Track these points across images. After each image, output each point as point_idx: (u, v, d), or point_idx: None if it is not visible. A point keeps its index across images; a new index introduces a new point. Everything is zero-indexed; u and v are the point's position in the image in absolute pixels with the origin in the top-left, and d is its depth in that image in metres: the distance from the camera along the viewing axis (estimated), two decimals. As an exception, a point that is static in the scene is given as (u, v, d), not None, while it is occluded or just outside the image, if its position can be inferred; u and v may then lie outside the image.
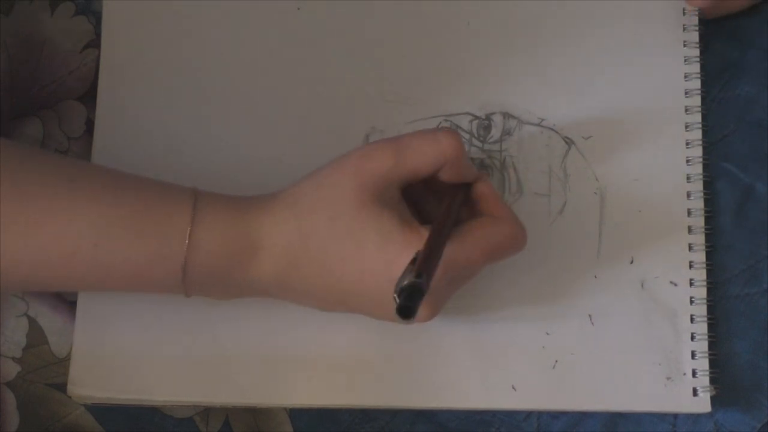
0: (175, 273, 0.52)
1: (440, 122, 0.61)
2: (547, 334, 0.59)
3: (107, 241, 0.51)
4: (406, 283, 0.47)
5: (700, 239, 0.59)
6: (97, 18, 0.64)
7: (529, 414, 0.59)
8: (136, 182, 0.53)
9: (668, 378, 0.58)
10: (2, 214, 0.49)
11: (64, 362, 0.59)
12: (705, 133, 0.61)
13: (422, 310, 0.49)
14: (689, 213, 0.60)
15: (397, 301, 0.46)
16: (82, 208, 0.51)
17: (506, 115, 0.61)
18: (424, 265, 0.48)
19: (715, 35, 0.63)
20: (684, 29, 0.62)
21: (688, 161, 0.60)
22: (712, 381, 0.58)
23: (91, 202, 0.51)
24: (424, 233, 0.51)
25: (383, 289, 0.50)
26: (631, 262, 0.59)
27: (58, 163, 0.53)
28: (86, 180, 0.52)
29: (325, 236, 0.52)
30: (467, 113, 0.62)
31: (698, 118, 0.61)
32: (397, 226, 0.51)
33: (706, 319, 0.58)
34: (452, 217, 0.53)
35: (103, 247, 0.51)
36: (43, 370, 0.60)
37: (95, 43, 0.64)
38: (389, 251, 0.51)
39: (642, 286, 0.59)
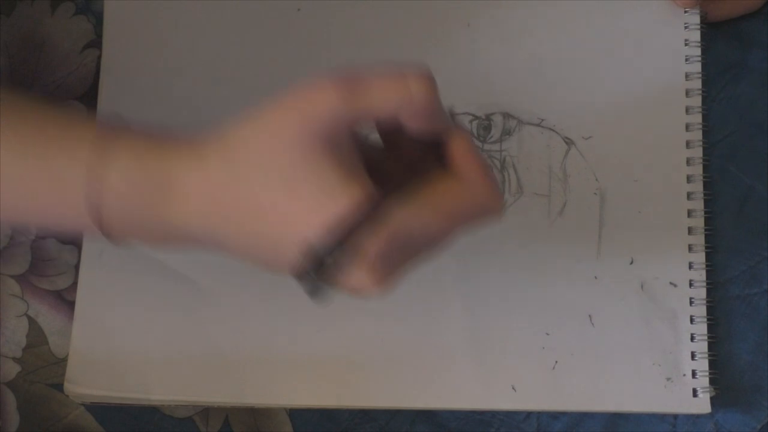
0: (80, 212, 0.46)
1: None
2: (547, 334, 0.59)
3: (7, 167, 0.46)
4: (312, 249, 0.41)
5: (700, 240, 0.59)
6: (97, 18, 0.64)
7: (528, 414, 0.59)
8: (45, 111, 0.48)
9: (668, 379, 0.58)
10: None
11: (64, 362, 0.59)
12: (706, 134, 0.61)
13: (366, 279, 0.43)
14: (689, 214, 0.60)
15: (302, 272, 0.42)
16: None
17: (506, 115, 0.61)
18: (345, 231, 0.42)
19: (717, 35, 0.63)
20: (686, 28, 0.62)
21: (688, 162, 0.60)
22: (712, 382, 0.58)
23: None
24: (368, 187, 0.43)
25: None
26: (631, 263, 0.59)
27: None
28: None
29: (256, 185, 0.44)
30: (467, 113, 0.62)
31: (699, 118, 0.61)
32: (341, 179, 0.43)
33: (705, 320, 0.58)
34: (408, 176, 0.46)
35: (5, 174, 0.46)
36: (43, 370, 0.60)
37: (95, 43, 0.64)
38: (327, 209, 0.43)
39: (642, 286, 0.59)
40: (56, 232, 0.52)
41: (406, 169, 0.47)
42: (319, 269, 0.42)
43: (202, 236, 0.47)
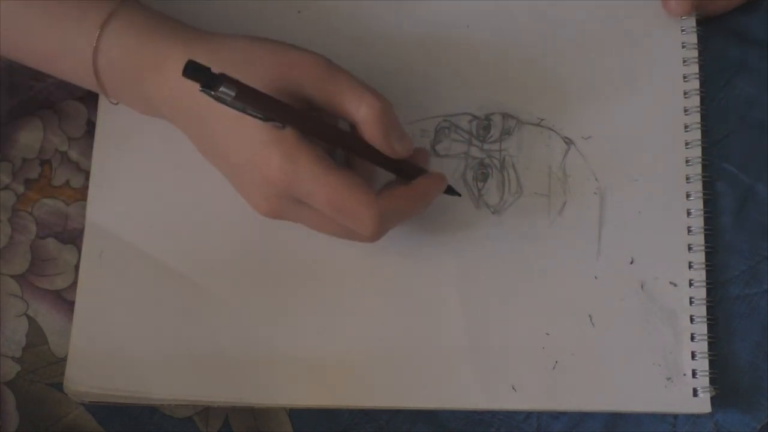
0: (86, 69, 0.56)
1: (439, 122, 0.61)
2: (547, 334, 0.59)
3: (17, 22, 0.56)
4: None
5: (699, 240, 0.59)
6: (97, 18, 0.64)
7: (528, 414, 0.59)
8: None
9: (668, 378, 0.58)
10: None
11: (63, 362, 0.59)
12: (705, 134, 0.61)
13: (263, 205, 0.54)
14: (689, 213, 0.60)
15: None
16: None
17: (506, 115, 0.62)
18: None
19: (716, 35, 0.63)
20: (682, 31, 0.62)
21: (687, 162, 0.60)
22: (712, 382, 0.58)
23: None
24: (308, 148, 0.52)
25: (248, 166, 0.53)
26: (631, 263, 0.59)
27: None
28: None
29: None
30: (467, 113, 0.62)
31: (697, 118, 0.61)
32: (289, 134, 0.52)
33: (705, 319, 0.58)
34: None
35: (18, 24, 0.56)
36: (43, 370, 0.60)
37: (95, 43, 0.64)
38: (267, 141, 0.52)
39: (642, 286, 0.59)
40: (60, 77, 0.59)
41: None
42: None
43: (168, 110, 0.56)
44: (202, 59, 0.49)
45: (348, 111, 0.53)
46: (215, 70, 0.48)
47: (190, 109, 0.55)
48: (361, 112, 0.53)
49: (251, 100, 0.50)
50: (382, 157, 0.55)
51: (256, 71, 0.52)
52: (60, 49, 0.56)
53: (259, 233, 0.59)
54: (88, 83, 0.58)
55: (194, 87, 0.48)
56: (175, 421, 0.60)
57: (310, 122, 0.53)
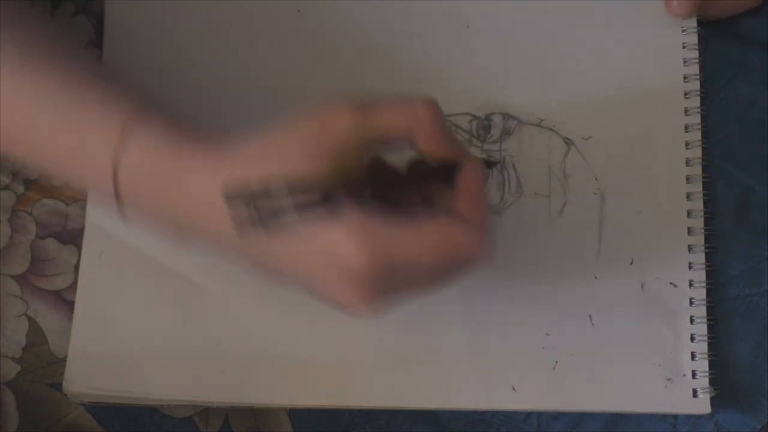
0: (105, 186, 0.49)
1: (440, 123, 0.61)
2: (547, 334, 0.59)
3: (37, 128, 0.50)
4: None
5: (699, 240, 0.59)
6: (97, 17, 0.64)
7: (529, 414, 0.59)
8: (90, 78, 0.51)
9: (668, 379, 0.58)
10: None
11: (63, 362, 0.59)
12: (705, 134, 0.61)
13: (355, 297, 0.46)
14: (689, 214, 0.60)
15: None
16: (25, 78, 0.50)
17: (506, 116, 0.62)
18: (295, 181, 0.44)
19: (716, 35, 0.63)
20: (683, 31, 0.62)
21: (687, 162, 0.60)
22: (712, 382, 0.58)
23: (34, 75, 0.50)
24: (368, 209, 0.45)
25: (322, 268, 0.46)
26: (631, 263, 0.59)
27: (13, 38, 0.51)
28: (38, 50, 0.50)
29: None
30: (467, 113, 0.62)
31: (698, 119, 0.61)
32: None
33: (705, 320, 0.58)
34: (390, 172, 0.49)
35: (36, 127, 0.50)
36: (43, 370, 0.60)
37: (95, 42, 0.64)
38: (335, 227, 0.45)
39: (642, 287, 0.59)
40: (76, 186, 0.56)
41: (423, 201, 0.50)
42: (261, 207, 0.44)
43: (204, 233, 0.49)
44: (230, 171, 0.46)
45: (402, 126, 0.47)
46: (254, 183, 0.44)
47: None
48: (420, 117, 0.47)
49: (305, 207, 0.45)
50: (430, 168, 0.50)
51: (294, 158, 0.46)
52: (77, 152, 0.50)
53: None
54: (104, 195, 0.51)
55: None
56: (175, 421, 0.60)
57: (361, 185, 0.47)
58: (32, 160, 0.53)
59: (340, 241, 0.45)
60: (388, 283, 0.47)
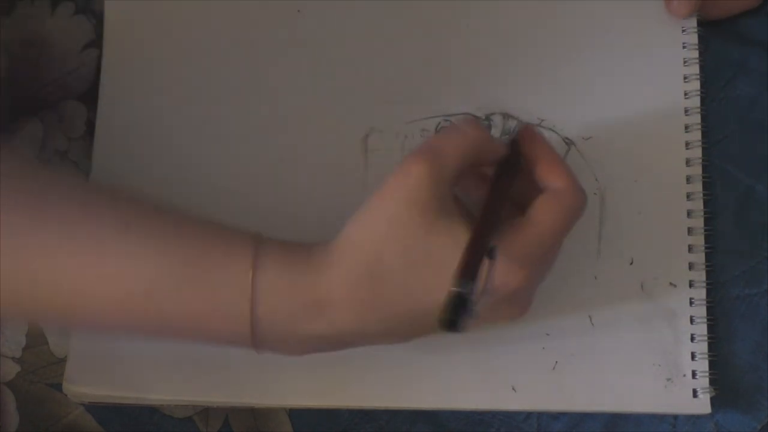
0: (239, 326, 0.49)
1: (439, 122, 0.61)
2: (547, 334, 0.59)
3: (160, 290, 0.49)
4: (448, 295, 0.44)
5: (699, 240, 0.59)
6: (97, 18, 0.64)
7: (529, 414, 0.59)
8: (193, 226, 0.51)
9: (668, 379, 0.58)
10: (53, 252, 0.48)
11: (63, 362, 0.59)
12: (705, 134, 0.61)
13: (510, 310, 0.51)
14: (689, 214, 0.60)
15: (443, 312, 0.44)
16: (135, 255, 0.48)
17: (506, 116, 0.61)
18: (464, 271, 0.45)
19: (716, 35, 0.63)
20: (683, 31, 0.62)
21: (687, 162, 0.60)
22: (712, 382, 0.58)
23: (143, 249, 0.49)
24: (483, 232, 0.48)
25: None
26: (631, 263, 0.59)
27: (115, 206, 0.51)
28: (141, 227, 0.49)
29: (401, 271, 0.48)
30: (467, 114, 0.62)
31: (698, 119, 0.61)
32: (463, 226, 0.48)
33: (705, 320, 0.58)
34: (497, 207, 0.50)
35: (156, 297, 0.48)
36: (43, 370, 0.60)
37: (95, 43, 0.64)
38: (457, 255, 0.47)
39: (642, 287, 0.59)
40: (204, 343, 0.53)
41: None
42: (445, 322, 0.45)
43: (350, 335, 0.50)
44: (351, 265, 0.48)
45: (462, 149, 0.51)
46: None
47: (369, 303, 0.49)
48: (475, 136, 0.51)
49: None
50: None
51: (394, 217, 0.49)
52: (210, 307, 0.49)
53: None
54: (237, 341, 0.50)
55: (366, 280, 0.48)
56: (175, 421, 0.60)
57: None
58: (154, 334, 0.53)
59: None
60: (534, 281, 0.51)
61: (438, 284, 0.47)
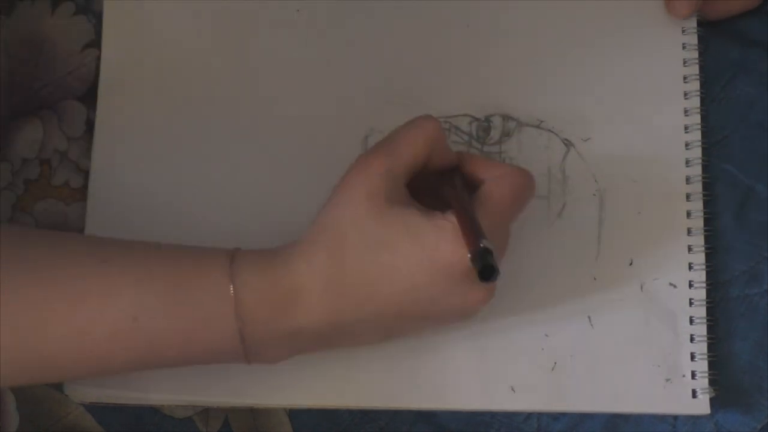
0: (226, 331, 0.51)
1: (439, 124, 0.61)
2: (547, 335, 0.59)
3: (145, 312, 0.50)
4: (480, 246, 0.48)
5: (699, 241, 0.59)
6: (97, 18, 0.64)
7: (528, 415, 0.59)
8: (169, 250, 0.53)
9: (667, 379, 0.58)
10: (38, 300, 0.50)
11: (63, 363, 0.59)
12: (705, 134, 0.61)
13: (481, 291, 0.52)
14: (689, 214, 0.60)
15: (478, 266, 0.48)
16: (117, 287, 0.50)
17: (505, 117, 0.61)
18: (477, 230, 0.49)
19: (716, 35, 0.63)
20: (683, 32, 0.62)
21: (687, 163, 0.60)
22: (712, 382, 0.58)
23: (123, 278, 0.51)
24: (449, 217, 0.51)
25: (437, 281, 0.51)
26: (631, 264, 0.59)
27: (88, 244, 0.54)
28: (118, 259, 0.52)
29: (359, 255, 0.51)
30: (466, 115, 0.62)
31: (697, 119, 0.61)
32: (420, 217, 0.51)
33: (705, 320, 0.58)
34: (464, 190, 0.54)
35: (143, 319, 0.50)
36: (43, 371, 0.60)
37: (95, 43, 0.64)
38: (426, 244, 0.50)
39: (641, 287, 0.59)
40: (195, 360, 0.54)
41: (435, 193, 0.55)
42: (486, 271, 0.48)
43: (328, 328, 0.52)
44: (319, 253, 0.51)
45: (421, 143, 0.54)
46: None
47: (342, 291, 0.52)
48: (432, 132, 0.54)
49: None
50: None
51: (358, 210, 0.52)
52: (196, 318, 0.52)
53: (257, 233, 0.59)
54: (227, 354, 0.53)
55: (338, 269, 0.51)
56: (175, 421, 0.60)
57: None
58: (141, 363, 0.53)
59: (449, 252, 0.50)
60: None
61: (392, 267, 0.51)
